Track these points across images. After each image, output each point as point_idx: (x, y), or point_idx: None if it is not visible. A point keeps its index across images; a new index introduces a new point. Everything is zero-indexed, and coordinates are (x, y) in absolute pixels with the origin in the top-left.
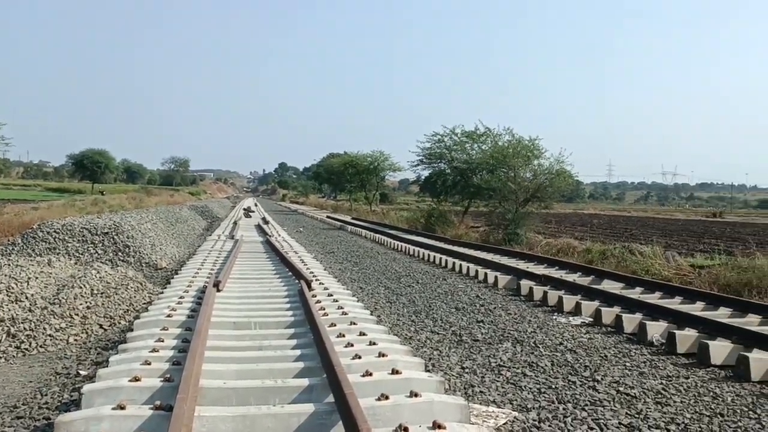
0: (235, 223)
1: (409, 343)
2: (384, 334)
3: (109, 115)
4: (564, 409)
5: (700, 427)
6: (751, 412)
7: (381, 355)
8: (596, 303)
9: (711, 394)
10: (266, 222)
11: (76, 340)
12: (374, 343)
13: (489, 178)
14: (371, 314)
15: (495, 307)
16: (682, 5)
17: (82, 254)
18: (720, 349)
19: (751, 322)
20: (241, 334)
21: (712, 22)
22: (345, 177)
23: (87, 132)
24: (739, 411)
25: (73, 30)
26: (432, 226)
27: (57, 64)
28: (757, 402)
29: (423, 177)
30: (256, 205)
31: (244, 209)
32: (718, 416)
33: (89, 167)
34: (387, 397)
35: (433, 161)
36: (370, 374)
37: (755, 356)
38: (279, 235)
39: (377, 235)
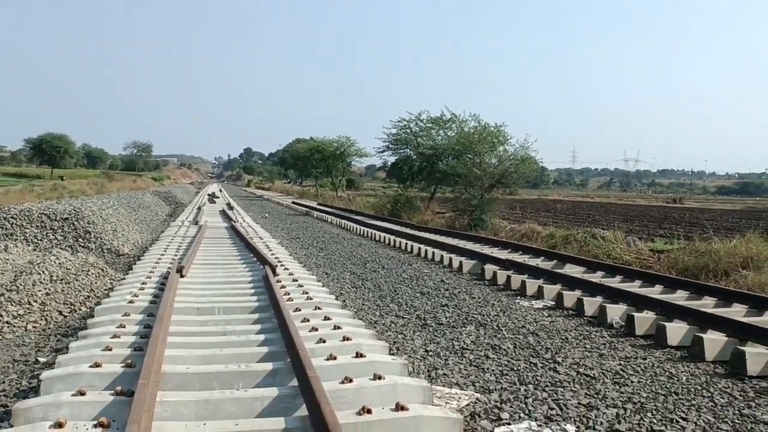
0: (199, 208)
1: (374, 328)
2: (349, 318)
3: (68, 98)
4: (525, 390)
5: (655, 405)
6: (704, 391)
7: (345, 339)
8: (558, 287)
9: (667, 374)
10: (231, 208)
11: (34, 327)
12: (339, 327)
13: (455, 164)
14: (336, 299)
15: (459, 292)
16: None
17: (40, 240)
18: (676, 331)
19: (707, 304)
20: (205, 319)
21: (677, 21)
22: (311, 163)
23: (45, 116)
24: (693, 390)
25: (29, 11)
26: (398, 212)
27: (11, 45)
28: (710, 381)
29: (389, 163)
30: (220, 190)
31: (209, 195)
32: (673, 395)
33: (48, 152)
34: (351, 380)
35: (400, 147)
36: (335, 358)
37: (710, 337)
38: (244, 221)
39: (343, 221)
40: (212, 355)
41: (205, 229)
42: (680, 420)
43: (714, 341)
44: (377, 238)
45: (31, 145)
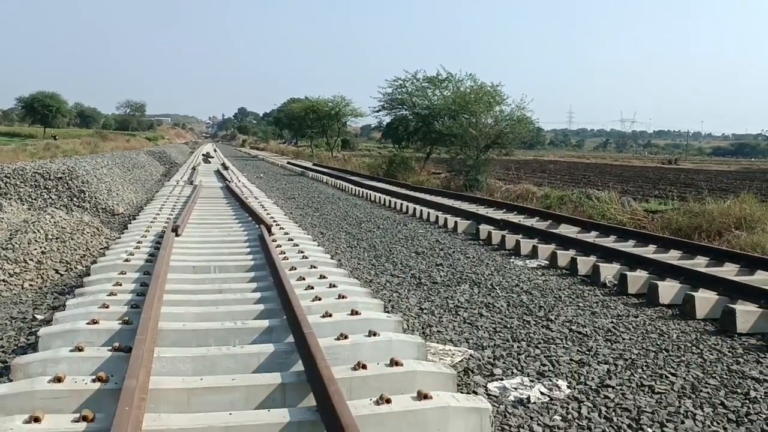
0: (194, 168)
1: (369, 286)
2: (344, 277)
3: (59, 56)
4: (518, 347)
5: (646, 361)
6: (694, 347)
7: (341, 297)
8: (552, 246)
9: (658, 331)
10: (226, 168)
11: (31, 285)
12: (334, 286)
13: (450, 124)
14: (332, 258)
15: (454, 251)
16: None
17: (35, 199)
18: (668, 289)
19: (699, 263)
20: (201, 278)
21: None
22: (306, 123)
23: (36, 74)
24: (683, 346)
25: None
26: (393, 172)
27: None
28: (700, 338)
29: (385, 123)
30: (215, 150)
31: (203, 155)
32: (664, 351)
33: (40, 111)
34: (346, 337)
35: (395, 107)
36: (330, 315)
37: (701, 295)
38: (239, 181)
39: (338, 181)
40: (208, 313)
41: (200, 189)
42: (669, 376)
43: (705, 299)
44: (372, 199)
45: (23, 104)
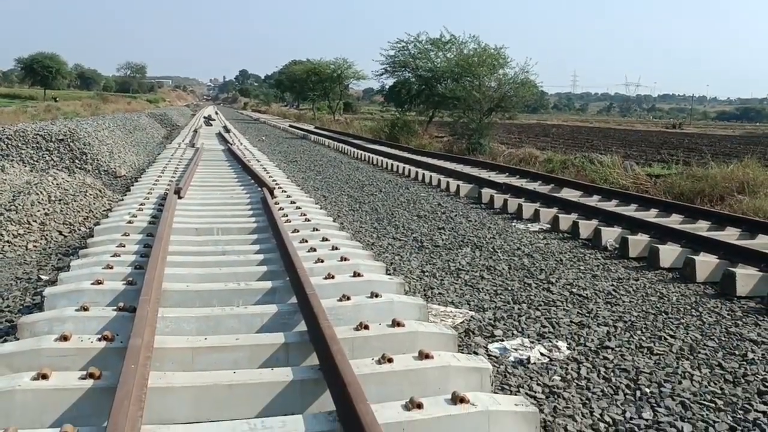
0: (195, 131)
1: (372, 249)
2: (346, 240)
3: (58, 16)
4: (519, 309)
5: (645, 324)
6: (693, 310)
7: (343, 259)
8: (554, 210)
9: (658, 294)
10: (228, 131)
11: (35, 246)
12: (336, 248)
13: (454, 87)
14: (334, 221)
15: (456, 215)
16: None
17: (37, 161)
18: (669, 253)
19: (701, 227)
20: (204, 239)
21: None
22: (308, 85)
23: (35, 34)
24: (682, 309)
25: None
26: (396, 135)
27: None
28: (699, 301)
29: (387, 86)
30: (216, 113)
31: (205, 117)
32: (663, 314)
33: (40, 72)
34: (348, 298)
35: (398, 70)
36: (332, 277)
37: (701, 259)
38: (241, 144)
39: (340, 145)
40: (212, 274)
41: (201, 152)
42: (668, 338)
43: (705, 263)
44: (375, 162)
45: (22, 65)
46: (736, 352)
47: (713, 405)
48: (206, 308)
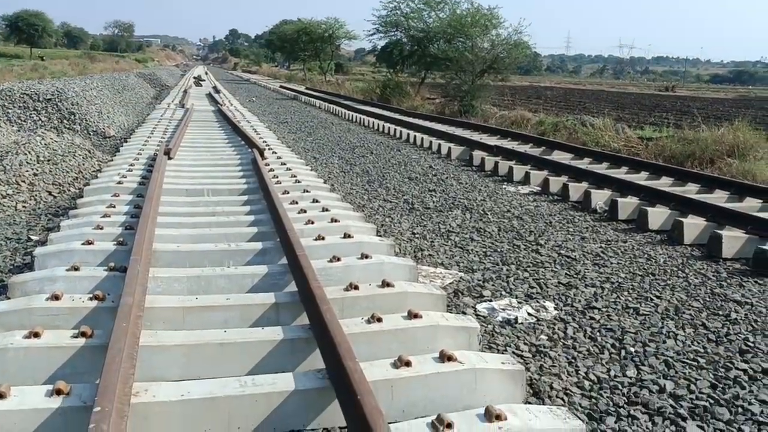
0: (185, 91)
1: (362, 211)
2: (337, 201)
3: None
4: (507, 270)
5: (632, 285)
6: (679, 272)
7: (333, 220)
8: (545, 173)
9: (645, 256)
10: (217, 91)
11: (24, 206)
12: (327, 210)
13: (446, 48)
14: (325, 183)
15: (447, 177)
16: None
17: (24, 121)
18: (658, 216)
19: (690, 190)
20: (194, 200)
21: None
22: (299, 45)
23: None
24: (669, 271)
25: None
26: (387, 97)
27: None
28: (686, 263)
29: (379, 47)
30: (206, 73)
31: (195, 78)
32: (650, 275)
33: (25, 30)
34: (338, 259)
35: (389, 30)
36: (323, 238)
37: (689, 221)
38: (231, 105)
39: (331, 106)
40: (202, 235)
41: (191, 112)
42: (654, 298)
43: (693, 225)
44: (366, 124)
45: (7, 23)
46: (720, 313)
47: (696, 363)
48: (197, 269)
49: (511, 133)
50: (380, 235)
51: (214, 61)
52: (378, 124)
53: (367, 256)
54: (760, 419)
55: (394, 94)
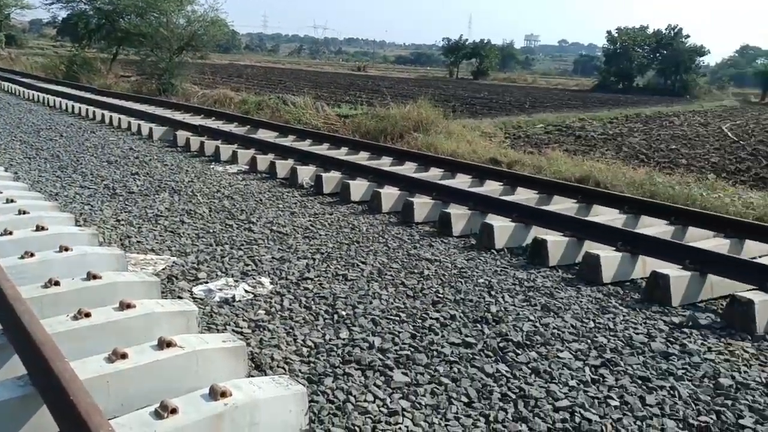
0: None
1: (56, 200)
2: (24, 191)
3: None
4: (222, 250)
5: (340, 254)
6: (380, 238)
7: (22, 212)
8: (252, 151)
9: (350, 226)
10: None
11: None
12: (12, 201)
13: (138, 23)
14: (6, 171)
15: (150, 159)
16: None
17: None
18: (359, 188)
19: (385, 163)
20: None
21: None
22: None
23: None
24: (371, 238)
25: None
26: (75, 74)
27: None
28: (385, 229)
29: (60, 18)
30: None
31: None
32: (355, 243)
33: None
34: (32, 254)
35: (72, 1)
36: (10, 233)
37: (386, 191)
38: None
39: (5, 83)
40: None
41: None
42: (360, 264)
43: (390, 195)
44: (52, 104)
45: None
46: (415, 271)
47: (398, 318)
48: None
49: (215, 112)
50: (80, 225)
51: None
52: (67, 104)
53: (67, 249)
54: (451, 359)
55: (82, 71)
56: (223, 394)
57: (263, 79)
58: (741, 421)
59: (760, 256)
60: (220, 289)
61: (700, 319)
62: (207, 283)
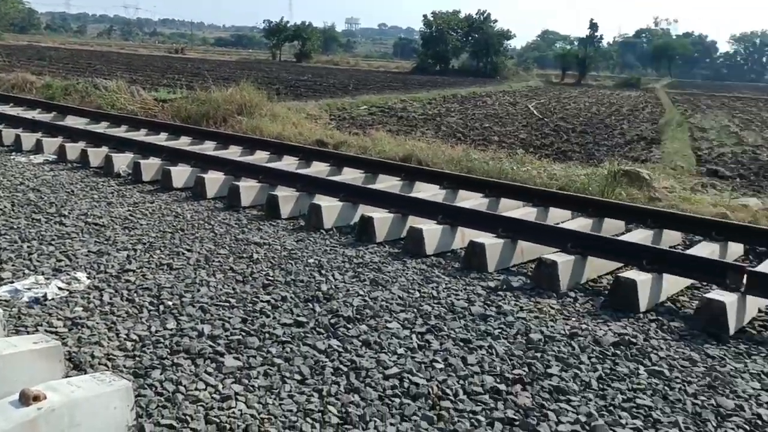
0: None
1: None
2: None
3: None
4: (29, 247)
5: (164, 243)
6: (206, 224)
7: None
8: (60, 139)
9: (173, 213)
10: None
11: None
12: None
13: None
14: None
15: None
16: None
17: None
18: (181, 174)
19: (208, 148)
20: None
21: None
22: None
23: None
24: (196, 224)
25: None
26: None
27: None
28: (211, 215)
29: None
30: None
31: None
32: (180, 231)
33: None
34: None
35: None
36: None
37: (210, 177)
38: None
39: None
40: None
41: None
42: (186, 252)
43: (214, 180)
44: None
45: None
46: (244, 255)
47: (228, 304)
48: None
49: (13, 98)
50: None
51: None
52: None
53: None
54: (283, 339)
55: None
56: (36, 398)
57: (69, 61)
58: (549, 371)
59: (562, 222)
60: (29, 289)
61: (513, 282)
62: (13, 282)
